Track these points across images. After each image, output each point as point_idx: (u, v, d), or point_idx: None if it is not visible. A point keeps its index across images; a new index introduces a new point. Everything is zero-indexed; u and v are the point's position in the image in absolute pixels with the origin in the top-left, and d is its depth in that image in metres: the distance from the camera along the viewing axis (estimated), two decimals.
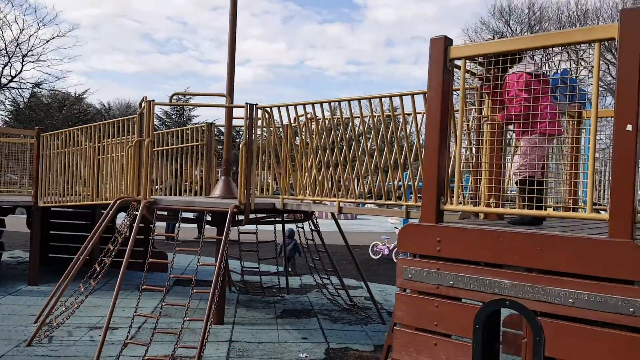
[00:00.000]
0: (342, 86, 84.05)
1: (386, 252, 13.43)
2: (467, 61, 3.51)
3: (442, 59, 3.40)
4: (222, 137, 8.52)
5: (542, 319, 2.94)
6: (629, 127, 2.78)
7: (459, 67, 3.45)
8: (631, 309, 2.67)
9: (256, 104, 6.09)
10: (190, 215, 8.18)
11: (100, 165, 7.71)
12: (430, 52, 3.47)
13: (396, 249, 13.31)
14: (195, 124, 36.18)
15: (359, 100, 5.16)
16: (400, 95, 4.77)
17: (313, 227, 7.76)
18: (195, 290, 5.54)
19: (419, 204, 4.93)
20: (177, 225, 6.14)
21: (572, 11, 36.53)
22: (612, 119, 2.91)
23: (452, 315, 3.27)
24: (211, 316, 5.34)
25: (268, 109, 6.15)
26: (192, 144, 8.39)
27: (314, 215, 7.70)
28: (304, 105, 5.68)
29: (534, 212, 3.22)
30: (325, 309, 7.92)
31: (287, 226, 9.47)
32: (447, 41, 3.43)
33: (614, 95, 2.85)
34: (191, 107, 37.93)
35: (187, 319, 5.40)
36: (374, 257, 13.46)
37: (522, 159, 3.46)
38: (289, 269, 10.23)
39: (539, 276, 2.99)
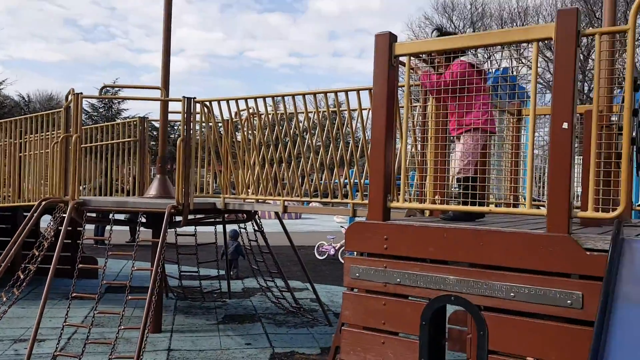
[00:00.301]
0: (284, 79, 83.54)
1: (332, 252, 13.44)
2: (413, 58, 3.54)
3: (387, 56, 3.40)
4: (155, 133, 8.20)
5: (486, 313, 2.98)
6: (565, 125, 2.87)
7: (404, 64, 3.46)
8: (569, 301, 2.75)
9: (194, 98, 5.89)
10: (121, 217, 7.82)
11: (22, 163, 7.23)
12: (375, 48, 3.46)
13: (342, 248, 13.36)
14: (125, 118, 34.70)
15: (304, 95, 5.09)
16: (346, 91, 4.74)
17: (257, 228, 7.61)
18: (130, 297, 5.28)
19: (366, 202, 4.95)
20: (108, 227, 5.84)
21: (513, 8, 38.18)
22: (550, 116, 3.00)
23: (399, 313, 3.27)
24: (148, 324, 5.11)
25: (207, 103, 5.97)
26: (123, 139, 7.99)
27: (257, 215, 7.55)
28: (245, 99, 5.54)
29: (477, 208, 3.27)
30: (269, 313, 7.79)
31: (230, 227, 9.21)
32: (391, 37, 3.43)
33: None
34: (120, 100, 36.14)
35: (122, 327, 5.13)
36: (319, 257, 13.43)
37: (464, 157, 3.52)
38: (232, 273, 10.01)
39: (482, 271, 3.04)
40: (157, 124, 7.40)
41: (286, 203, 5.41)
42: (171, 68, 6.87)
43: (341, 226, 14.03)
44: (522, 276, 2.91)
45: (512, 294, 2.91)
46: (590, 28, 2.66)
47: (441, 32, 3.87)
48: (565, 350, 2.74)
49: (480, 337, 2.99)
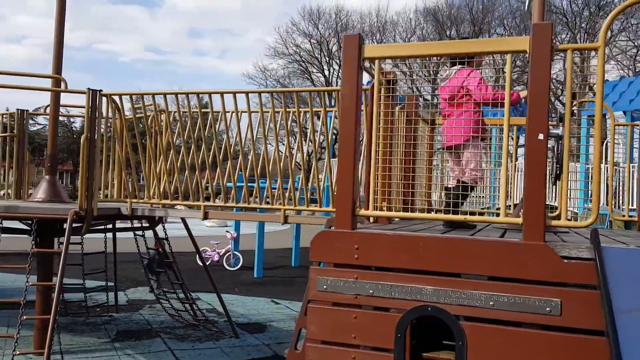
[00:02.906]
0: (141, 75, 79.06)
1: (216, 258, 12.88)
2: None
3: (357, 58, 3.25)
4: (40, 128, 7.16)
5: (465, 323, 2.96)
6: (541, 136, 2.96)
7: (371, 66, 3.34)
8: (548, 309, 2.82)
9: (100, 90, 5.21)
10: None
11: None
12: (344, 49, 3.29)
13: (228, 254, 12.88)
14: None
15: (234, 94, 4.75)
16: (309, 91, 4.53)
17: (162, 236, 6.96)
18: (25, 317, 4.48)
19: (301, 207, 4.75)
20: None
21: (373, 22, 40.29)
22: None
23: (372, 325, 3.12)
24: (45, 347, 4.38)
25: (116, 98, 5.32)
26: None
27: (161, 222, 6.91)
28: (164, 94, 5.00)
29: (451, 216, 3.25)
30: (166, 327, 7.18)
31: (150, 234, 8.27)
32: (360, 39, 3.29)
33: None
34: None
35: (17, 352, 4.34)
36: (201, 264, 12.79)
37: (474, 166, 3.50)
38: (154, 287, 9.04)
39: (461, 280, 3.01)
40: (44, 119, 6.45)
41: (207, 209, 5.01)
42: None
43: (227, 231, 13.55)
44: (501, 285, 2.93)
45: (491, 303, 2.92)
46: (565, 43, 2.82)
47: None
48: (545, 357, 2.80)
49: (459, 347, 2.96)
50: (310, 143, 4.84)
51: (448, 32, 37.93)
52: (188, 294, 7.21)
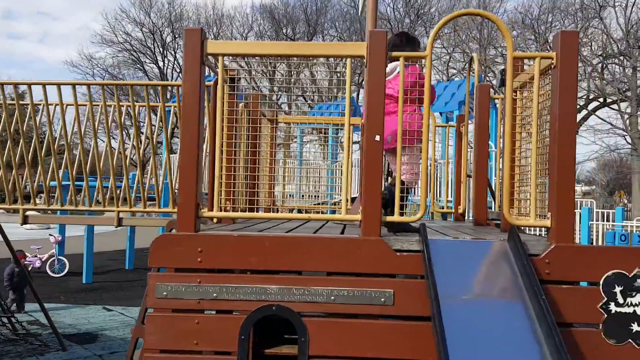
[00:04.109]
0: None
1: (38, 264, 11.57)
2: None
3: (199, 54, 3.12)
4: None
5: (308, 319, 3.03)
6: (377, 138, 3.14)
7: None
8: (382, 299, 3.01)
9: None
10: None
11: None
12: (185, 45, 3.15)
13: (52, 259, 11.64)
14: None
15: (58, 85, 4.26)
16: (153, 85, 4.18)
17: None
18: None
19: (137, 209, 4.45)
20: None
21: (209, 14, 39.53)
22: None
23: (215, 330, 3.04)
24: None
25: None
26: None
27: None
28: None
29: (294, 215, 3.29)
30: None
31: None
32: (202, 34, 3.17)
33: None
34: None
35: None
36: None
37: (414, 167, 3.56)
38: (14, 306, 7.61)
39: (304, 278, 3.08)
40: None
41: (27, 212, 4.46)
42: None
43: (50, 235, 12.25)
44: (341, 279, 3.06)
45: (332, 297, 3.03)
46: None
47: (407, 36, 3.81)
48: (381, 344, 2.99)
49: (301, 343, 3.02)
50: (147, 139, 4.57)
51: (285, 30, 38.81)
52: (4, 306, 6.36)
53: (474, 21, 28.62)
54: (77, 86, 4.29)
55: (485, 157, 4.63)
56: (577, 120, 28.48)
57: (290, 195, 5.70)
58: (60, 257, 11.84)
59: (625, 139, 25.79)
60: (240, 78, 3.50)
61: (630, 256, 2.95)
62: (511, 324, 2.66)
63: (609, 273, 2.92)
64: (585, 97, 27.39)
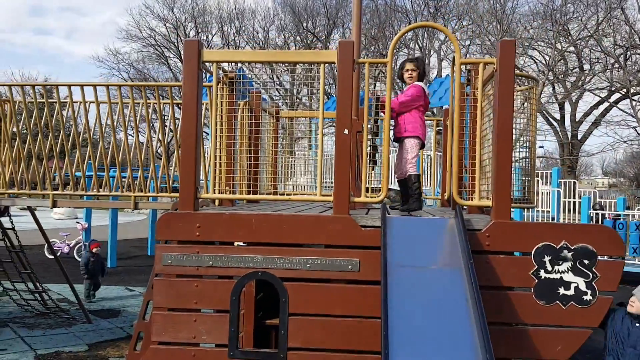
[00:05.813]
0: None
1: (66, 250, 12.44)
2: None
3: (197, 61, 3.73)
4: None
5: (288, 284, 3.63)
6: (346, 131, 3.71)
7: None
8: (350, 267, 3.60)
9: None
10: None
11: None
12: (185, 53, 3.76)
13: (79, 245, 12.49)
14: None
15: (94, 86, 4.94)
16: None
17: (9, 226, 6.76)
18: None
19: (150, 194, 5.11)
20: None
21: (231, 9, 40.26)
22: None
23: (211, 292, 3.67)
24: None
25: None
26: None
27: (7, 212, 6.71)
28: (9, 86, 5.02)
29: (275, 197, 3.88)
30: (14, 317, 7.05)
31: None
32: (200, 44, 3.77)
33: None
34: None
35: None
36: (50, 257, 12.26)
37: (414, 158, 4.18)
38: (91, 292, 8.43)
39: (284, 249, 3.68)
40: None
41: (56, 198, 5.15)
42: None
43: (77, 222, 13.10)
44: (316, 250, 3.65)
45: (308, 265, 3.62)
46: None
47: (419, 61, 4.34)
48: (348, 304, 3.57)
49: (282, 303, 3.63)
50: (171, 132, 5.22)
51: (304, 25, 39.27)
52: (37, 284, 7.13)
53: (495, 15, 28.60)
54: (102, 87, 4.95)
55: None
56: (600, 112, 28.50)
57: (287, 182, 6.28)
58: (86, 243, 12.66)
59: (636, 130, 25.72)
60: (242, 80, 4.10)
61: (558, 231, 3.48)
62: (448, 287, 3.21)
63: (539, 245, 3.45)
64: (607, 88, 27.27)
